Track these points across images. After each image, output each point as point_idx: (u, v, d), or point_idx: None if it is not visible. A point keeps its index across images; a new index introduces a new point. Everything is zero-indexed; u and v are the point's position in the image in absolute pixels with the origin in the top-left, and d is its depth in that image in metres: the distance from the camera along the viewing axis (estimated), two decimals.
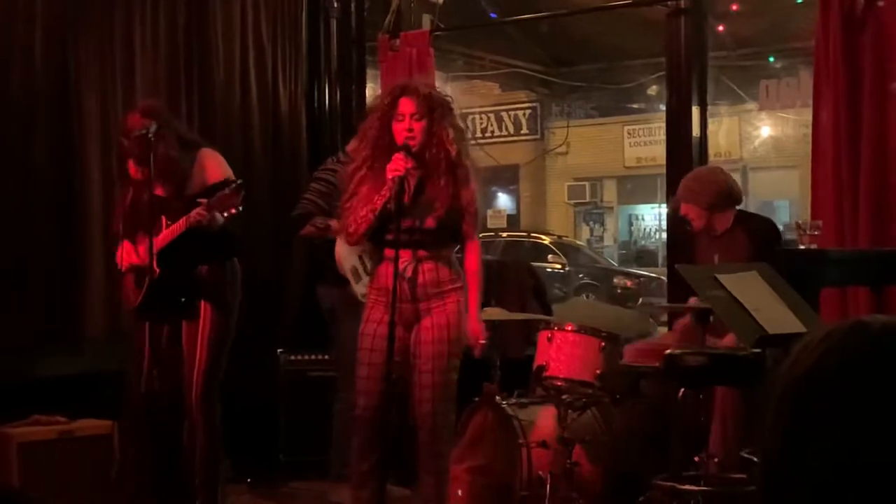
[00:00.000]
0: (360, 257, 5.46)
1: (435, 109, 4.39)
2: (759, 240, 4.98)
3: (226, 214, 4.65)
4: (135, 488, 4.82)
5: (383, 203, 4.38)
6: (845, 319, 1.16)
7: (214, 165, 4.90)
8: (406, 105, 4.38)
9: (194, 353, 4.85)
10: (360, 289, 5.49)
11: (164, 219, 4.74)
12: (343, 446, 5.52)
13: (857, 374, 1.09)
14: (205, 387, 4.86)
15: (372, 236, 4.57)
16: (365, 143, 4.53)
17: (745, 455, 4.69)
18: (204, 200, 4.66)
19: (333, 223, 5.36)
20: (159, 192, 4.81)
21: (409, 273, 4.46)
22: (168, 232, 4.75)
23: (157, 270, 4.71)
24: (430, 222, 4.43)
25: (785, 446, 1.11)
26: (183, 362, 4.87)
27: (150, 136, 4.61)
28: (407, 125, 4.36)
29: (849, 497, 1.06)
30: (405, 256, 4.44)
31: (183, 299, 4.82)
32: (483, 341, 4.61)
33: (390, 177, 4.35)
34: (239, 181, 4.67)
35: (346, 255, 5.43)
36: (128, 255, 4.85)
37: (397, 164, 4.33)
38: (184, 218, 4.70)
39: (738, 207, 5.24)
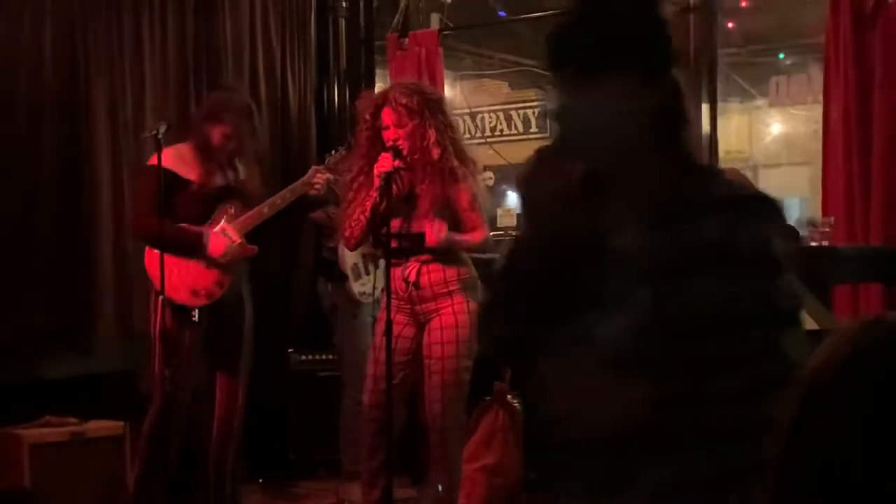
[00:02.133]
0: (364, 256, 5.51)
1: (416, 114, 4.42)
2: None
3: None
4: (152, 490, 4.80)
5: (373, 203, 4.41)
6: (863, 317, 1.16)
7: None
8: (387, 116, 4.46)
9: (241, 368, 4.91)
10: (358, 287, 5.53)
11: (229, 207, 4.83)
12: (351, 443, 5.54)
13: (860, 367, 1.09)
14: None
15: (375, 241, 4.60)
16: (358, 155, 4.63)
17: None
18: (318, 167, 4.97)
19: None
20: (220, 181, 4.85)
21: (412, 277, 4.52)
22: (276, 201, 4.86)
23: (255, 249, 4.85)
24: (417, 227, 4.47)
25: (790, 437, 1.11)
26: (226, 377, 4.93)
27: (159, 136, 4.62)
28: (392, 135, 4.44)
29: (851, 488, 1.05)
30: (410, 261, 4.53)
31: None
32: (434, 237, 4.45)
33: (377, 173, 4.39)
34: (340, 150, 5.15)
35: (349, 252, 5.47)
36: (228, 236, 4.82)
37: (384, 163, 4.38)
38: (299, 183, 4.89)
39: None
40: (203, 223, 4.78)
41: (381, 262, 5.49)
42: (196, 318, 4.71)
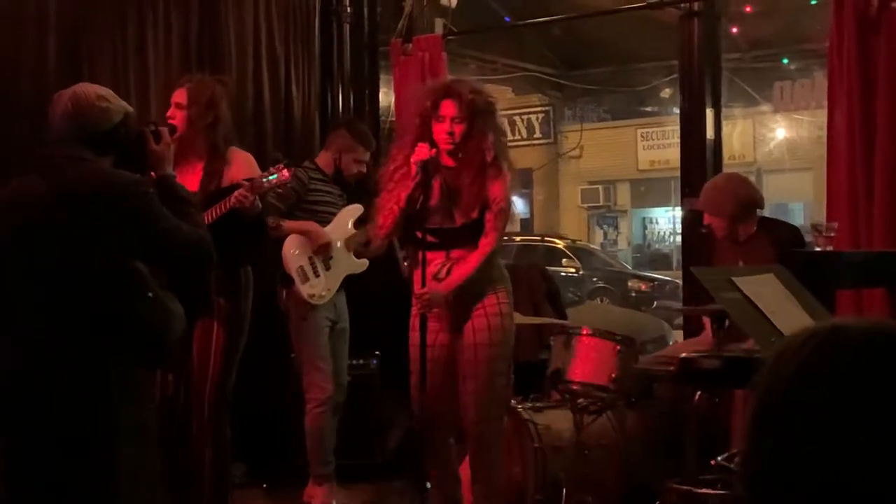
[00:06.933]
0: (311, 258, 5.45)
1: (477, 115, 4.38)
2: (784, 248, 4.95)
3: (272, 193, 4.81)
4: None
5: (409, 192, 4.37)
6: (822, 323, 1.13)
7: (242, 163, 4.88)
8: (448, 108, 4.38)
9: (207, 362, 4.79)
10: (307, 289, 5.45)
11: None
12: (316, 446, 5.47)
13: (839, 385, 1.08)
14: (216, 396, 4.81)
15: (406, 237, 4.57)
16: (406, 142, 4.51)
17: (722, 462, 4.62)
18: (246, 182, 4.66)
19: (285, 223, 5.39)
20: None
21: (443, 274, 4.43)
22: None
23: None
24: (458, 221, 4.41)
25: (770, 459, 1.10)
26: (193, 369, 4.82)
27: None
28: (447, 128, 4.37)
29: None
30: (438, 258, 4.44)
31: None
32: (431, 301, 4.36)
33: (413, 161, 4.35)
34: (285, 160, 4.75)
35: (292, 255, 5.43)
36: None
37: (421, 152, 4.33)
38: (224, 201, 4.62)
39: (760, 213, 5.22)
40: None
41: (332, 263, 5.47)
42: None
